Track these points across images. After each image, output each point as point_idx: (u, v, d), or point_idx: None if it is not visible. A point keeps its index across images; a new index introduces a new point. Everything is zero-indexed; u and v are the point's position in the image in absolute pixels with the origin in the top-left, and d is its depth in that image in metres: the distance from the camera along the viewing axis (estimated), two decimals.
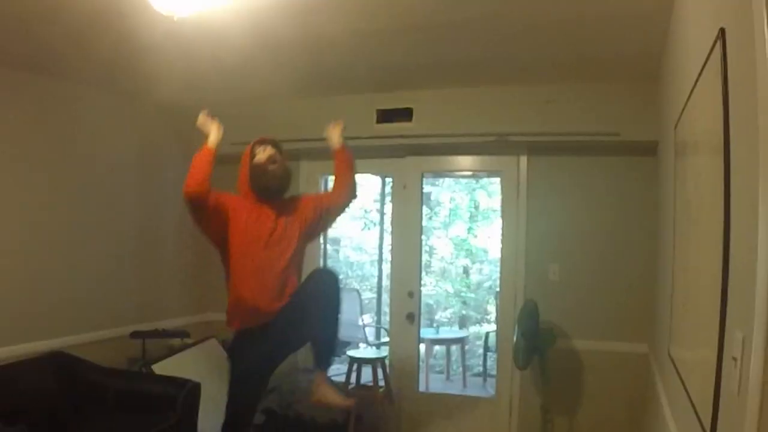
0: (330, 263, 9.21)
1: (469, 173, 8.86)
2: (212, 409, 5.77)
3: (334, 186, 4.80)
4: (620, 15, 4.02)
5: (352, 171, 4.75)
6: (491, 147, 6.36)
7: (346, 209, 4.87)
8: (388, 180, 9.02)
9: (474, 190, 11.10)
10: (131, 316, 6.44)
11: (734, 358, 1.79)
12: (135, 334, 6.19)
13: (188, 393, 5.21)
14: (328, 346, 4.63)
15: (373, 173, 8.58)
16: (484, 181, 10.23)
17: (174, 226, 7.13)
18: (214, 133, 4.45)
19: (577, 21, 4.19)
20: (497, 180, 6.88)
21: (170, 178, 7.04)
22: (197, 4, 3.54)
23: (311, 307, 4.42)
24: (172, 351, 6.24)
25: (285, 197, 4.62)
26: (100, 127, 6.19)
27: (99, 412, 5.13)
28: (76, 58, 5.06)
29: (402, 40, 4.63)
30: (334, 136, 4.72)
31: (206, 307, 7.50)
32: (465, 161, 6.99)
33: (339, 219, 4.95)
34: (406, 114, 6.36)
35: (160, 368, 5.83)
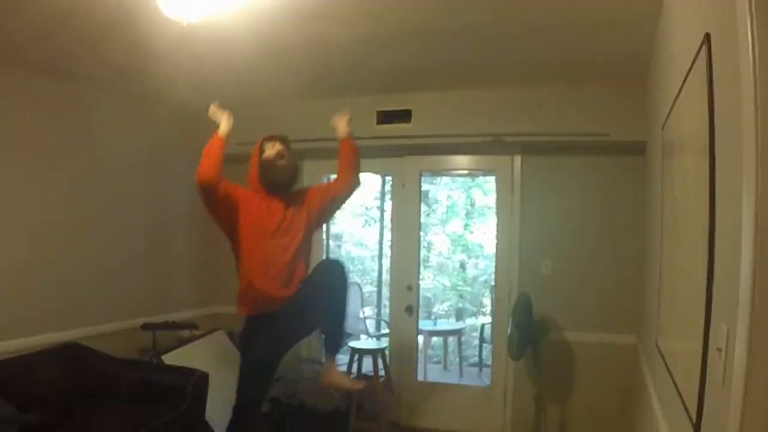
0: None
1: (466, 172, 8.85)
2: (220, 398, 5.77)
3: (339, 174, 4.78)
4: (610, 20, 4.02)
5: (357, 160, 4.76)
6: (486, 147, 6.37)
7: (350, 197, 4.87)
8: (388, 178, 9.02)
9: (470, 188, 11.11)
10: (142, 308, 6.45)
11: (719, 349, 1.79)
12: (146, 326, 6.20)
13: (197, 382, 5.21)
14: (337, 332, 4.71)
15: (373, 172, 8.58)
16: (480, 179, 10.23)
17: (183, 223, 7.16)
18: (224, 122, 4.44)
19: (568, 26, 4.19)
20: (492, 179, 6.90)
21: (180, 177, 7.06)
22: (206, 10, 3.54)
23: (319, 295, 4.49)
24: (181, 342, 6.25)
25: (293, 190, 4.65)
26: (114, 128, 6.20)
27: (111, 401, 5.12)
28: (90, 63, 5.06)
29: (401, 45, 4.63)
30: (341, 125, 4.74)
31: (214, 300, 7.51)
32: (461, 160, 7.00)
33: (343, 208, 4.98)
34: (405, 115, 6.37)
35: (169, 359, 5.83)
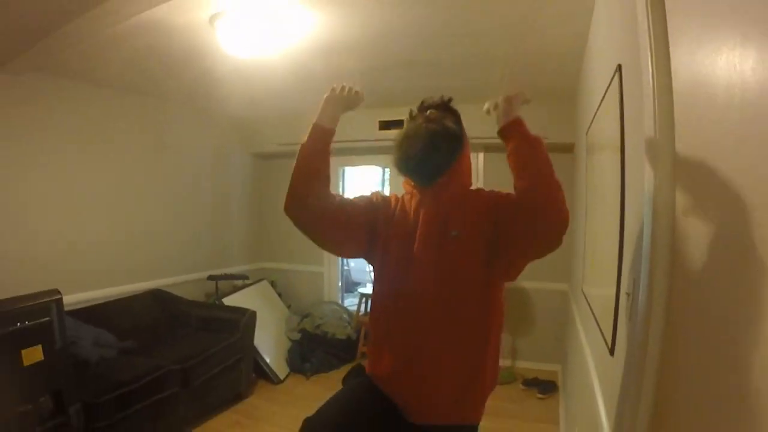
0: None
1: None
2: (264, 330, 5.83)
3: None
4: (547, 53, 4.01)
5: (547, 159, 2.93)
6: None
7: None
8: (387, 170, 9.00)
9: None
10: (208, 264, 6.49)
11: (627, 294, 1.80)
12: (211, 277, 6.24)
13: (248, 318, 5.24)
14: None
15: (375, 165, 8.56)
16: None
17: (237, 203, 7.19)
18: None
19: (518, 57, 4.19)
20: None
21: (234, 168, 7.11)
22: (254, 49, 3.56)
23: None
24: (236, 289, 6.28)
25: None
26: (187, 133, 6.20)
27: (185, 332, 5.17)
28: (170, 84, 5.05)
29: (396, 72, 4.62)
30: (508, 104, 2.74)
31: (261, 257, 7.56)
32: None
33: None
34: (400, 123, 6.25)
35: (227, 301, 5.87)
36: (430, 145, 2.13)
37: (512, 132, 2.19)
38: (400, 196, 2.36)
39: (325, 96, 2.31)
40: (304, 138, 2.20)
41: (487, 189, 2.26)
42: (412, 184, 2.28)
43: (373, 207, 2.26)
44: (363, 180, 10.42)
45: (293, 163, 2.10)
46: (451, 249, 2.03)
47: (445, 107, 2.37)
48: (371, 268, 2.27)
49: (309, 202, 2.06)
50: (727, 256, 1.10)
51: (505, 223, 2.00)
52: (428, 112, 2.29)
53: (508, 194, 2.12)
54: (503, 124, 2.22)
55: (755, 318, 0.96)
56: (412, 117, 2.35)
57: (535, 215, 1.96)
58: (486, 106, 2.43)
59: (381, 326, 2.21)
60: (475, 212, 2.10)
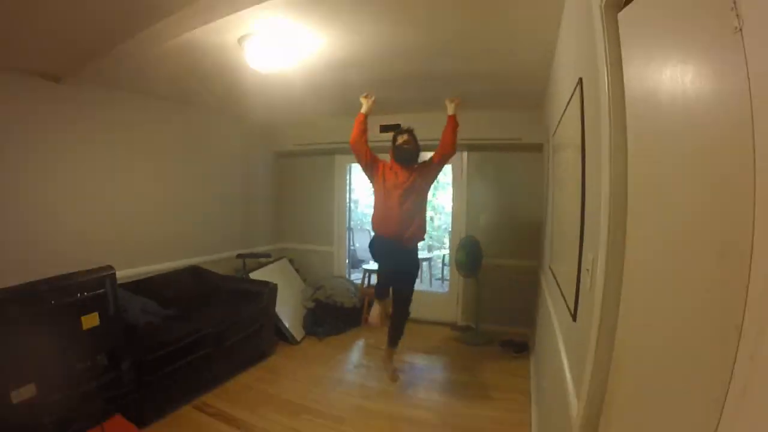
0: (351, 215, 9.15)
1: None
2: (284, 300, 5.85)
3: (442, 140, 4.32)
4: (519, 68, 4.02)
5: (454, 132, 4.32)
6: None
7: (449, 160, 4.43)
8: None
9: None
10: (237, 243, 6.49)
11: (587, 270, 1.81)
12: (239, 256, 6.24)
13: (270, 290, 5.25)
14: (398, 329, 4.52)
15: None
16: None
17: (262, 193, 7.17)
18: (366, 105, 4.33)
19: (495, 72, 4.19)
20: (450, 166, 6.86)
21: (261, 166, 7.12)
22: (276, 66, 3.57)
23: (399, 295, 4.43)
24: (260, 265, 6.28)
25: (416, 163, 4.35)
26: (219, 136, 6.18)
27: (218, 302, 5.17)
28: (205, 94, 5.02)
29: (395, 83, 4.59)
30: (450, 106, 4.37)
31: (281, 239, 7.54)
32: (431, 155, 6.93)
33: (445, 165, 4.43)
34: (397, 127, 6.21)
35: (253, 275, 5.88)
36: (412, 154, 4.30)
37: (451, 117, 4.38)
38: (387, 163, 4.34)
39: (363, 96, 4.41)
40: (360, 116, 4.36)
41: (426, 159, 4.40)
42: (399, 165, 4.28)
43: (376, 159, 4.37)
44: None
45: (350, 135, 4.37)
46: (417, 188, 4.23)
47: (411, 132, 4.39)
48: (372, 188, 4.40)
49: (363, 139, 4.32)
50: (670, 237, 1.11)
51: (438, 160, 4.32)
52: (406, 135, 4.34)
53: (432, 156, 4.39)
54: (452, 113, 4.38)
55: (691, 287, 0.97)
56: (400, 133, 4.39)
57: (450, 147, 4.31)
58: (446, 102, 4.41)
59: (380, 213, 4.25)
60: (427, 171, 4.33)
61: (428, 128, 5.35)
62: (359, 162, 4.34)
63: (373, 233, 4.34)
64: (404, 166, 4.24)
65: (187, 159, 5.61)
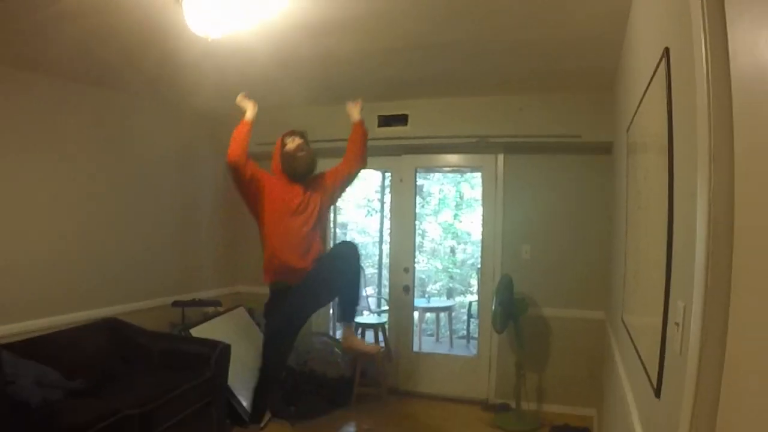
0: None
1: (455, 168, 8.88)
2: (240, 366, 5.80)
3: (349, 153, 4.94)
4: (581, 37, 4.01)
5: (365, 142, 4.90)
6: (473, 147, 6.36)
7: (358, 175, 5.02)
8: (387, 174, 9.02)
9: (459, 182, 11.09)
10: (172, 288, 6.48)
11: (677, 324, 1.79)
12: (176, 303, 6.23)
13: (220, 353, 5.22)
14: (352, 302, 4.82)
15: (374, 169, 8.59)
16: (468, 175, 10.21)
17: (209, 212, 7.19)
18: (250, 109, 4.67)
19: (542, 41, 4.19)
20: (479, 174, 6.89)
21: (205, 172, 7.14)
22: (228, 27, 3.53)
23: (337, 268, 4.66)
24: (206, 317, 6.26)
25: (311, 176, 4.82)
26: (147, 130, 6.21)
27: (145, 369, 5.14)
28: (128, 73, 5.06)
29: (399, 58, 4.62)
30: (354, 111, 4.93)
31: (235, 281, 7.54)
32: (452, 158, 6.98)
33: (344, 198, 5.20)
34: (402, 119, 6.36)
35: (196, 332, 5.85)
36: (309, 166, 4.82)
37: (358, 125, 4.97)
38: (271, 178, 4.78)
39: (242, 96, 4.80)
40: (245, 125, 4.66)
41: (324, 172, 5.00)
42: (288, 180, 4.74)
43: (261, 174, 4.73)
44: (360, 185, 10.45)
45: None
46: (315, 214, 4.75)
47: (304, 135, 4.83)
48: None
49: (246, 152, 4.57)
50: None
51: (341, 179, 4.94)
52: (299, 139, 4.81)
53: (335, 168, 5.01)
54: (359, 118, 5.00)
55: None
56: (290, 134, 4.86)
57: (360, 162, 4.98)
58: (348, 107, 5.03)
59: (277, 248, 4.63)
60: (323, 187, 4.88)
61: (444, 117, 5.36)
62: (237, 183, 4.71)
63: (269, 284, 4.92)
64: (295, 182, 4.75)
65: (101, 164, 5.62)
